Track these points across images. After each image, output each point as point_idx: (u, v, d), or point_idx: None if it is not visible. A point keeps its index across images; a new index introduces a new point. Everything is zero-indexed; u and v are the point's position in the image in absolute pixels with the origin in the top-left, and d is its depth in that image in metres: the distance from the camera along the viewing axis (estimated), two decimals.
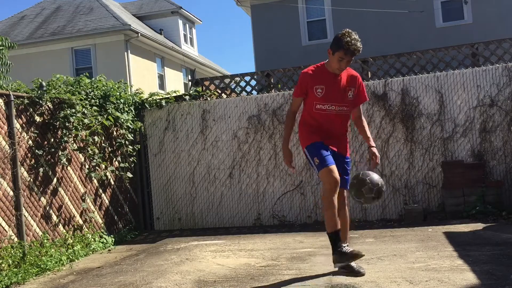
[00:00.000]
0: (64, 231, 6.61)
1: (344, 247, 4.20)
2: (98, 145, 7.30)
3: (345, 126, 4.44)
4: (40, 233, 6.19)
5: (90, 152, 7.03)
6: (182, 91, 18.31)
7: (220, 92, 8.86)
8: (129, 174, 7.84)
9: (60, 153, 6.60)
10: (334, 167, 4.17)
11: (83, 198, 7.09)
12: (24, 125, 6.14)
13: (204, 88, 8.82)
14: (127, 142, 8.01)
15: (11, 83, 6.99)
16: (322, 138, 4.32)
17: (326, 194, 4.16)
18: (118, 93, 7.84)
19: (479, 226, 6.43)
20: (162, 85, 19.78)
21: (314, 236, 6.69)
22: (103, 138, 7.50)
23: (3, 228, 5.62)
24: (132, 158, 8.19)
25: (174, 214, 8.59)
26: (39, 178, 6.29)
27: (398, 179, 7.68)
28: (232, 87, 9.22)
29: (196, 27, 24.12)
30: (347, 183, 4.40)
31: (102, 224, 7.46)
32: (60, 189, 6.65)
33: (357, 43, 4.15)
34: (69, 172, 6.86)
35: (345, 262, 4.25)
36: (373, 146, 4.43)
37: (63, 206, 6.68)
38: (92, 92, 7.41)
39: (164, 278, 4.87)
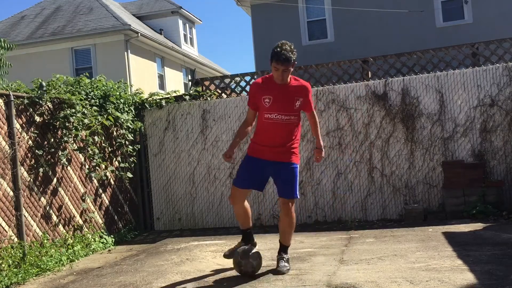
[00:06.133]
0: (64, 231, 6.61)
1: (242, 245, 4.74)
2: (98, 145, 7.29)
3: (291, 134, 4.53)
4: (40, 233, 6.19)
5: (90, 152, 7.02)
6: (182, 91, 18.31)
7: (220, 92, 8.85)
8: (129, 174, 7.83)
9: (60, 153, 6.59)
10: (241, 191, 4.59)
11: (83, 198, 7.08)
12: (24, 125, 6.14)
13: (204, 88, 8.81)
14: (127, 142, 8.00)
15: (11, 83, 6.99)
16: (263, 151, 4.51)
17: (230, 200, 4.77)
18: (118, 93, 7.84)
19: (479, 226, 6.42)
20: (162, 85, 19.77)
21: (314, 236, 6.69)
22: (103, 138, 7.49)
23: (3, 228, 5.61)
24: (132, 158, 8.18)
25: (174, 214, 8.58)
26: (39, 178, 6.29)
27: (399, 179, 7.67)
28: (232, 87, 9.20)
29: (196, 27, 24.12)
30: (290, 192, 4.51)
31: (102, 224, 7.46)
32: (60, 189, 6.65)
33: (286, 53, 4.26)
34: (69, 172, 6.86)
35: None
36: (318, 147, 4.76)
37: (63, 206, 6.68)
38: (92, 92, 7.41)
39: (164, 278, 4.87)
